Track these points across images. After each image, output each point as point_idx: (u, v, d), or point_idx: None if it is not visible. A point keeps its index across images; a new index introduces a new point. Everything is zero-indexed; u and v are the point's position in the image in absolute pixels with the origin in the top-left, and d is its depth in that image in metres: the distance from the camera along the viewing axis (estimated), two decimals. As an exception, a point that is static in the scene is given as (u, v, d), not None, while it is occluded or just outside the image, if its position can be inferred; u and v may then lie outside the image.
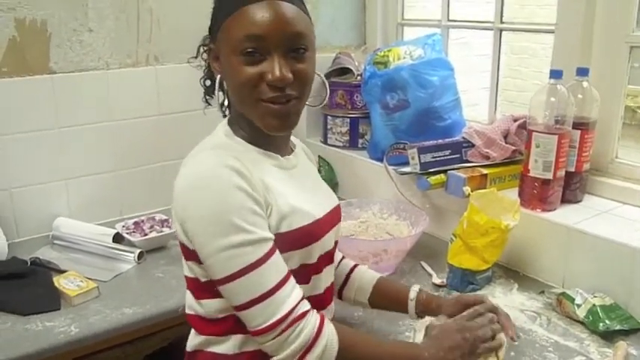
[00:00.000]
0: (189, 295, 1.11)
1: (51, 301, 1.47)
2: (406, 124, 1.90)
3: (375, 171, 1.97)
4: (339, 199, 2.09)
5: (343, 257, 1.38)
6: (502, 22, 1.95)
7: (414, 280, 1.58)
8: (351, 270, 1.34)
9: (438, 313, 1.21)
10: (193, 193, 0.97)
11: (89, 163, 1.92)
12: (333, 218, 1.16)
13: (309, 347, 0.97)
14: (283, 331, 0.96)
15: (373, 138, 2.05)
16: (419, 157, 1.74)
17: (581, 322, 1.35)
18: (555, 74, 1.52)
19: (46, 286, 1.52)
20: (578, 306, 1.35)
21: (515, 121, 1.78)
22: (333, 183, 2.19)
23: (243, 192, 0.96)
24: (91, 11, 1.84)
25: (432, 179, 1.71)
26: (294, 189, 1.07)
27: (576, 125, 1.55)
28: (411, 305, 1.24)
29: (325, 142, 2.25)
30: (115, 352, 1.47)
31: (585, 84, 1.57)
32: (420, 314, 1.25)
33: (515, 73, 4.14)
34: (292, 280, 1.00)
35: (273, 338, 0.97)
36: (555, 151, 1.51)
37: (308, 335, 0.97)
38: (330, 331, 1.00)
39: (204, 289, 1.04)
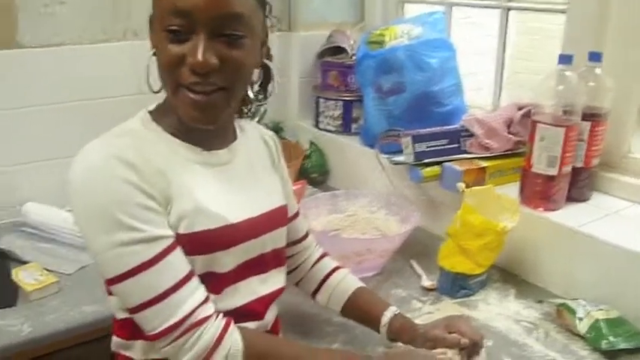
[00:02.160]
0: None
1: (6, 296, 1.36)
2: (401, 110, 1.75)
3: (368, 159, 1.82)
4: (330, 187, 2.01)
5: (324, 255, 1.25)
6: (509, 1, 1.79)
7: (400, 281, 1.45)
8: (329, 274, 1.21)
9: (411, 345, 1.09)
10: (78, 186, 0.87)
11: (58, 144, 1.77)
12: (265, 223, 1.03)
13: (206, 356, 0.88)
14: (179, 336, 0.88)
15: (366, 123, 1.91)
16: (413, 145, 1.60)
17: (583, 337, 1.21)
18: (564, 59, 1.36)
19: (2, 280, 1.40)
20: (580, 319, 1.22)
21: (519, 109, 1.63)
22: (323, 170, 2.06)
23: (132, 185, 0.85)
24: (63, -19, 1.70)
25: (426, 171, 1.57)
26: (210, 187, 0.95)
27: (586, 116, 1.40)
28: (383, 331, 1.11)
29: (317, 125, 2.11)
30: (77, 351, 1.36)
31: (598, 71, 1.41)
32: (393, 340, 1.12)
33: (527, 55, 3.96)
34: (194, 281, 0.90)
35: (169, 344, 0.88)
36: (562, 145, 1.36)
37: (206, 343, 0.88)
38: (234, 340, 0.90)
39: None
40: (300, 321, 1.29)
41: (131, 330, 0.95)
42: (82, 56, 1.77)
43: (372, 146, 1.81)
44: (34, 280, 1.39)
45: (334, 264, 1.24)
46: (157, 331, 0.87)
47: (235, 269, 0.98)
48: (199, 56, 0.85)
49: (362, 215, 1.59)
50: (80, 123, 1.80)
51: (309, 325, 1.28)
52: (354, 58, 1.96)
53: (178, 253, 0.89)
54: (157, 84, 0.94)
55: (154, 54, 0.92)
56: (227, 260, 0.96)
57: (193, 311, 0.88)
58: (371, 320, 1.14)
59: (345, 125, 2.04)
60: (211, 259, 0.94)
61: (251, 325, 1.00)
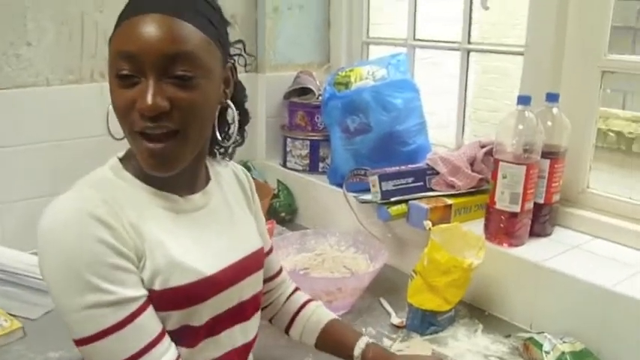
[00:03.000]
0: None
1: (-32, 342, 1.32)
2: (368, 149, 1.79)
3: (336, 197, 1.84)
4: (299, 226, 2.02)
5: (296, 289, 1.25)
6: (469, 43, 1.86)
7: (370, 319, 1.46)
8: (301, 307, 1.20)
9: None
10: (48, 241, 0.83)
11: (26, 185, 1.77)
12: (244, 268, 1.00)
13: None
14: None
15: (333, 163, 1.94)
16: (380, 184, 1.63)
17: (550, 371, 1.24)
18: (523, 100, 1.42)
19: (-36, 326, 1.37)
20: (547, 353, 1.24)
21: (482, 147, 1.68)
22: (291, 209, 2.07)
23: (104, 244, 0.82)
24: (29, 23, 1.69)
25: (393, 210, 1.60)
26: (184, 238, 0.92)
27: (545, 154, 1.46)
28: None
29: (284, 165, 2.13)
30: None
31: (555, 110, 1.47)
32: None
33: (486, 93, 4.09)
34: (165, 342, 0.86)
35: None
36: (523, 183, 1.41)
37: None
38: None
39: None
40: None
41: None
42: (48, 97, 1.76)
43: (339, 185, 1.84)
44: (-3, 326, 1.36)
45: (306, 297, 1.23)
46: None
47: (212, 320, 0.94)
48: (148, 100, 0.82)
49: (331, 254, 1.61)
50: (47, 165, 1.79)
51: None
52: (320, 98, 2.00)
53: (149, 314, 0.86)
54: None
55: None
56: (203, 313, 0.92)
57: None
58: (344, 351, 1.12)
59: (313, 164, 2.06)
60: (187, 314, 0.90)
61: None
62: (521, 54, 1.66)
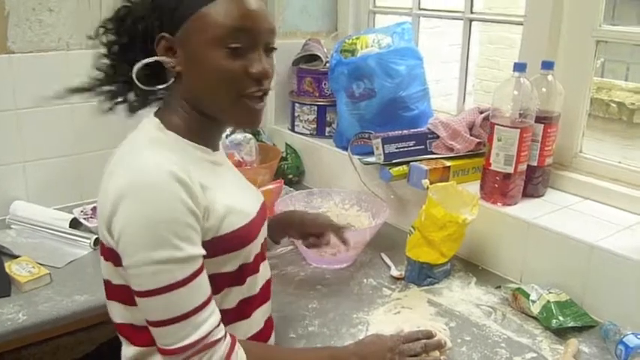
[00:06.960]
0: (116, 305, 1.03)
1: (0, 287, 1.43)
2: (372, 114, 1.87)
3: (341, 160, 1.94)
4: (305, 187, 2.12)
5: None
6: (472, 12, 1.93)
7: (372, 272, 1.56)
8: None
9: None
10: (131, 197, 0.89)
11: (49, 145, 1.88)
12: (262, 215, 1.13)
13: None
14: (192, 355, 0.92)
15: (339, 127, 2.02)
16: (383, 147, 1.72)
17: (536, 318, 1.34)
18: (519, 67, 1.50)
19: (-4, 272, 1.48)
20: (533, 302, 1.34)
21: (481, 113, 1.77)
22: (299, 171, 2.17)
23: (183, 204, 0.90)
24: (51, -10, 1.79)
25: (394, 170, 1.69)
26: (225, 187, 1.03)
27: (539, 119, 1.54)
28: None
29: (293, 129, 2.22)
30: (67, 340, 1.45)
31: (550, 77, 1.55)
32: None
33: (492, 64, 4.14)
34: (212, 304, 0.96)
35: None
36: (517, 145, 1.50)
37: None
38: (239, 357, 0.97)
39: None
40: (279, 307, 1.39)
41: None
42: (69, 61, 1.85)
43: (344, 148, 1.93)
44: (27, 273, 1.47)
45: None
46: (171, 347, 0.92)
47: (255, 258, 1.07)
48: (266, 66, 0.97)
49: (335, 212, 1.70)
50: (67, 126, 1.89)
51: (287, 310, 1.39)
52: (327, 65, 2.08)
53: (204, 275, 0.94)
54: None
55: (179, 71, 0.98)
56: (252, 250, 1.05)
57: (208, 334, 0.93)
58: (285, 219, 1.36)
59: (320, 129, 2.15)
60: (246, 252, 1.03)
61: (265, 306, 1.13)
62: (520, 24, 1.73)
